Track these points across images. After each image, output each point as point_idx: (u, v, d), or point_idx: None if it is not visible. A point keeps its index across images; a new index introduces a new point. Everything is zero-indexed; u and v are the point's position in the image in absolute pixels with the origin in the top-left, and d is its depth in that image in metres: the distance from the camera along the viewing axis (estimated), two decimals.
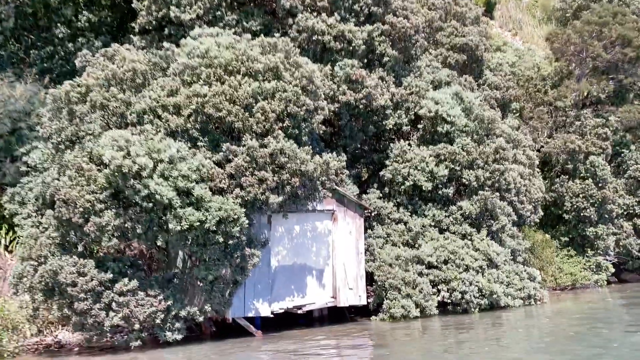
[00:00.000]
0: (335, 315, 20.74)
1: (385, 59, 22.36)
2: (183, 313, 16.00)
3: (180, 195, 14.95)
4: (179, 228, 14.74)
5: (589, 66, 31.67)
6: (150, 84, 16.78)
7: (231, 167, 15.93)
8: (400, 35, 22.41)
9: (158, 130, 15.77)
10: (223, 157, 16.14)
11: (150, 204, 14.69)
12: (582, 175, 29.79)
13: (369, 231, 21.68)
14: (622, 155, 31.74)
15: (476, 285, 20.76)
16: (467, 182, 22.13)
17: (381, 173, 22.40)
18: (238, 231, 15.59)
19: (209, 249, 15.55)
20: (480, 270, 21.08)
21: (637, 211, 31.15)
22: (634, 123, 31.29)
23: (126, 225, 14.85)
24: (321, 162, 17.37)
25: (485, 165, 22.46)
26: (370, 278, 20.67)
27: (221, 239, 15.36)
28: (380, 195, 22.39)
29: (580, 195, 29.16)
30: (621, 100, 31.88)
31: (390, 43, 22.52)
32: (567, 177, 29.79)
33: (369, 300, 20.63)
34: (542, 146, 30.75)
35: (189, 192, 15.01)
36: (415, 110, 22.81)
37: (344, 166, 20.30)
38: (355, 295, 19.98)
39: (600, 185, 29.34)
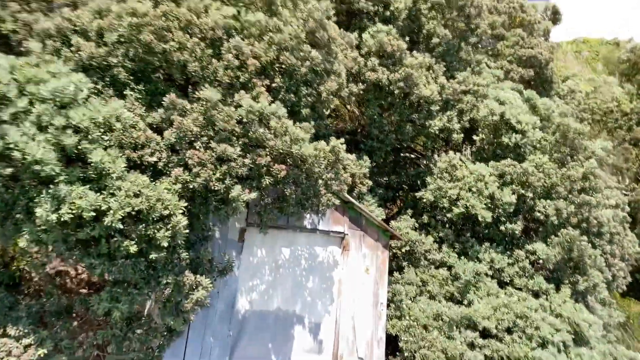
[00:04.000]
0: None
1: (435, 40, 15.59)
2: None
3: (69, 161, 8.12)
4: (53, 218, 7.78)
5: None
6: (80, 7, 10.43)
7: (173, 131, 9.10)
8: (455, 11, 15.73)
9: (65, 62, 9.23)
10: (163, 116, 9.34)
11: (9, 170, 7.88)
12: None
13: (396, 274, 14.14)
14: None
15: None
16: (542, 217, 14.53)
17: (419, 194, 15.08)
18: (168, 239, 8.50)
19: (116, 264, 8.48)
20: (563, 349, 13.00)
21: None
22: None
23: None
24: (326, 149, 10.33)
25: (569, 196, 14.87)
26: (392, 342, 12.93)
27: (134, 248, 8.28)
28: (416, 225, 14.95)
29: None
30: None
31: (443, 22, 15.84)
32: None
33: None
34: (626, 194, 22.82)
35: (84, 157, 8.16)
36: (472, 115, 15.70)
37: (367, 174, 13.22)
38: None
39: None
